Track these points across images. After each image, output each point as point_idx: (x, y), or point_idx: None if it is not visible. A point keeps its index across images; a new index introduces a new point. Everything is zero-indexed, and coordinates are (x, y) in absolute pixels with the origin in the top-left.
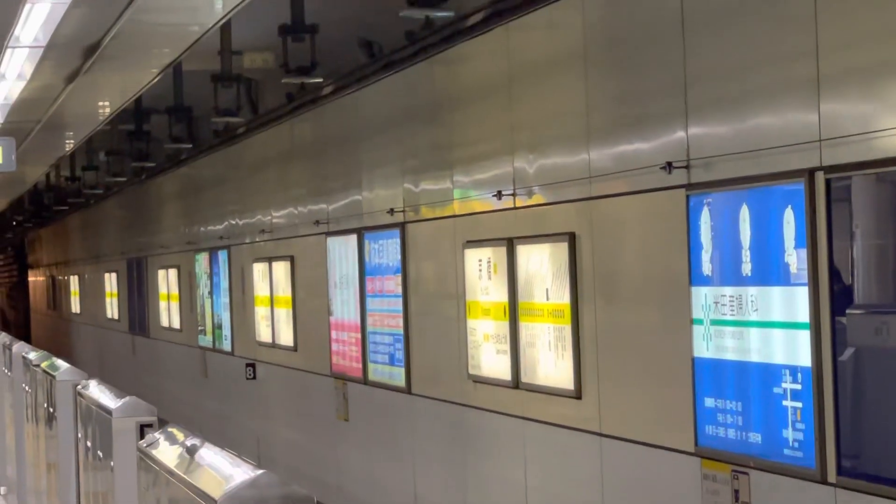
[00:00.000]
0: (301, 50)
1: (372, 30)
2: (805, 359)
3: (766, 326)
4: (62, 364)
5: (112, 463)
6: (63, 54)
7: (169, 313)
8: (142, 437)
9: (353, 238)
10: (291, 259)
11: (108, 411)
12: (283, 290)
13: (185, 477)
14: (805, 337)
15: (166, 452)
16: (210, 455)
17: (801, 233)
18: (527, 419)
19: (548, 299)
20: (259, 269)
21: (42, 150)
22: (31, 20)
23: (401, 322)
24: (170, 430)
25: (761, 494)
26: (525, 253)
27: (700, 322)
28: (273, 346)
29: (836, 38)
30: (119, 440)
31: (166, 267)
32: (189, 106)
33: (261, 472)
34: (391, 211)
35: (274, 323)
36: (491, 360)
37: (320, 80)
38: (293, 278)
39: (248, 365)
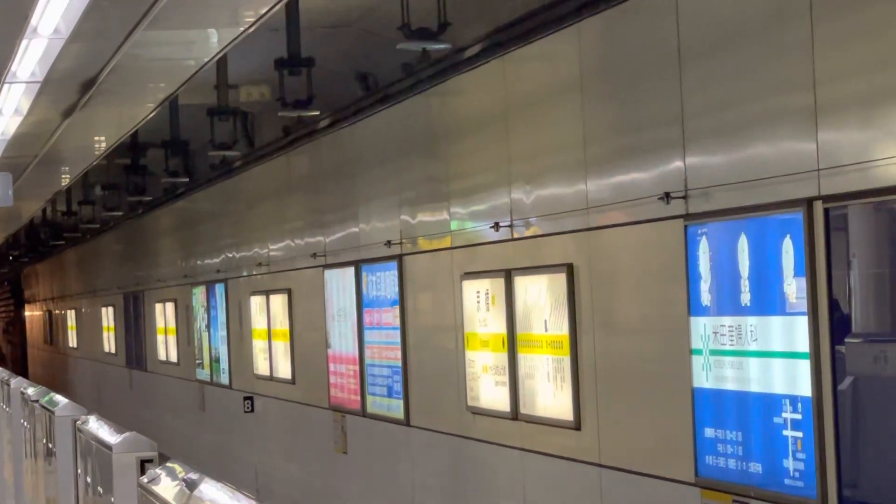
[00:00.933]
0: (297, 83)
1: (368, 63)
2: (805, 388)
3: (766, 356)
4: (61, 399)
5: (112, 499)
6: (60, 89)
7: (166, 347)
8: (142, 472)
9: (351, 270)
10: (289, 292)
11: (109, 447)
12: (281, 322)
13: None
14: (805, 366)
15: (167, 488)
16: (211, 490)
17: (799, 262)
18: (526, 450)
19: (546, 330)
20: (256, 302)
21: (38, 185)
22: (28, 55)
23: (399, 354)
24: (170, 465)
25: None
26: (523, 284)
27: (699, 352)
28: (271, 378)
29: (833, 68)
30: (119, 476)
31: (163, 301)
32: (185, 140)
33: None
34: (388, 243)
35: (271, 356)
36: (490, 392)
37: (317, 113)
38: (290, 311)
39: (245, 398)
